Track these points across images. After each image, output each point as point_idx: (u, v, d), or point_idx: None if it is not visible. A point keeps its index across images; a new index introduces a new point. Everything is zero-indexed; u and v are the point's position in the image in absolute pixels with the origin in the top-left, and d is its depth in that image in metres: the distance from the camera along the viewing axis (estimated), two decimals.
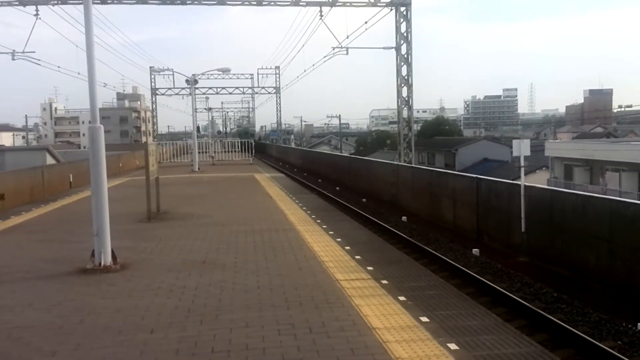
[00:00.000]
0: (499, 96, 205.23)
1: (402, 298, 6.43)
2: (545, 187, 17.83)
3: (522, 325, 8.98)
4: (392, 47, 28.06)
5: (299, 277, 7.49)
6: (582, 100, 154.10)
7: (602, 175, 37.51)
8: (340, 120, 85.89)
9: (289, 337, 5.33)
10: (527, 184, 14.87)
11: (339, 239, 9.98)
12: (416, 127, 41.27)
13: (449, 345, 5.04)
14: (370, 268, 7.86)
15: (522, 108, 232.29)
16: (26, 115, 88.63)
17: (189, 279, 7.48)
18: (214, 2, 27.37)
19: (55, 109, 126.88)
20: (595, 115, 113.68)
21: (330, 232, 10.66)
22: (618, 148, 37.39)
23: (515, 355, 4.95)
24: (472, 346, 5.05)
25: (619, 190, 32.34)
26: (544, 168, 45.25)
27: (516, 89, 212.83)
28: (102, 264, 8.12)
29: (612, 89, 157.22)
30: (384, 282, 7.15)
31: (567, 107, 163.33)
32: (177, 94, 63.27)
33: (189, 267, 8.19)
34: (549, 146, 45.95)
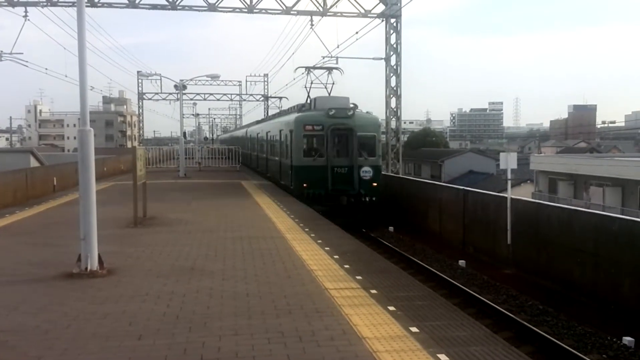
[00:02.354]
0: (485, 109, 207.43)
1: (391, 308, 6.43)
2: (532, 200, 17.98)
3: (508, 337, 9.02)
4: (381, 58, 28.24)
5: (288, 285, 7.47)
6: (566, 116, 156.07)
7: (585, 189, 37.94)
8: None
9: (278, 345, 5.30)
10: (513, 196, 15.00)
11: (328, 248, 9.97)
12: (403, 138, 39.65)
13: (439, 355, 5.05)
14: (359, 277, 7.86)
15: (508, 122, 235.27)
16: (10, 117, 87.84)
17: (177, 285, 7.42)
18: (205, 8, 27.34)
19: (40, 111, 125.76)
20: (579, 130, 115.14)
21: (319, 241, 10.64)
22: (601, 163, 37.88)
23: None
24: (461, 357, 5.05)
25: (603, 204, 32.72)
26: (528, 181, 45.70)
27: (502, 103, 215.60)
28: (89, 268, 8.03)
29: (596, 105, 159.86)
30: (373, 291, 7.15)
31: (551, 121, 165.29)
32: (164, 99, 62.97)
33: (177, 273, 8.13)
34: (534, 160, 46.42)
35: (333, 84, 23.61)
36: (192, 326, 5.82)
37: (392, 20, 27.47)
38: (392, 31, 27.65)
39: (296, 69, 25.90)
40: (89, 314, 6.25)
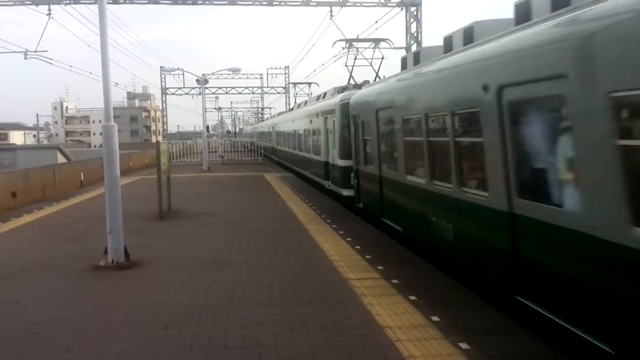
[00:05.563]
0: None
1: (412, 297, 6.45)
2: None
3: None
4: (402, 47, 28.00)
5: (310, 276, 7.53)
6: None
7: None
8: None
9: (301, 334, 5.36)
10: None
11: (349, 239, 10.01)
12: None
13: (460, 344, 5.06)
14: (380, 267, 7.89)
15: None
16: (37, 114, 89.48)
17: (201, 277, 7.54)
18: (225, 2, 27.46)
19: (66, 108, 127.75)
20: None
21: (340, 232, 10.69)
22: None
23: (526, 354, 4.95)
24: (484, 345, 5.05)
25: None
26: None
27: None
28: (115, 261, 8.21)
29: None
30: (395, 281, 7.17)
31: None
32: (187, 93, 63.45)
33: (201, 264, 8.25)
34: None
35: (382, 58, 19.63)
36: (216, 316, 5.92)
37: (412, 8, 27.21)
38: (412, 20, 27.39)
39: (335, 42, 21.11)
40: (116, 305, 6.39)
